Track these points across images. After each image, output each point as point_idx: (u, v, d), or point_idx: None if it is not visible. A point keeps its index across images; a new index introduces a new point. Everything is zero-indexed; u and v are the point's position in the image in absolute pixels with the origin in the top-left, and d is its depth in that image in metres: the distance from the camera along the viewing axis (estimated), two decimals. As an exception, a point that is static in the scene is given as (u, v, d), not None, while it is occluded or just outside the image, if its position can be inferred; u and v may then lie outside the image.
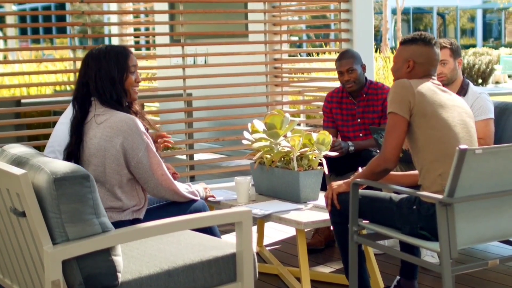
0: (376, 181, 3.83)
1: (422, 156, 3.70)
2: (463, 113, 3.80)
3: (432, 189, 3.63)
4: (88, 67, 3.83)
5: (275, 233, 5.94)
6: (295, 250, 5.37)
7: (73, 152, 3.76)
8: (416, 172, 3.91)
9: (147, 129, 3.87)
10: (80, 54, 6.66)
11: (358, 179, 3.79)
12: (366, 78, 5.61)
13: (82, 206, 2.99)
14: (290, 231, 5.94)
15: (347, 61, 5.48)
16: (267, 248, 5.36)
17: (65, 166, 3.02)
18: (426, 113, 3.68)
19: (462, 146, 3.23)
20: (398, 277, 4.31)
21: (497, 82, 24.87)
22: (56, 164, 3.05)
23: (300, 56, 14.76)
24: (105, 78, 3.79)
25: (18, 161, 3.24)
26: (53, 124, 7.56)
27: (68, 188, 2.95)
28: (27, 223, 3.01)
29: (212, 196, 4.47)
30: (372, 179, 3.80)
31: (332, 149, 4.74)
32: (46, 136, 7.07)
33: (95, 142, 3.70)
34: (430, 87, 3.76)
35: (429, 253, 4.87)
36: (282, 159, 4.56)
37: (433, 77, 3.91)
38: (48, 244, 2.93)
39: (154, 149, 3.82)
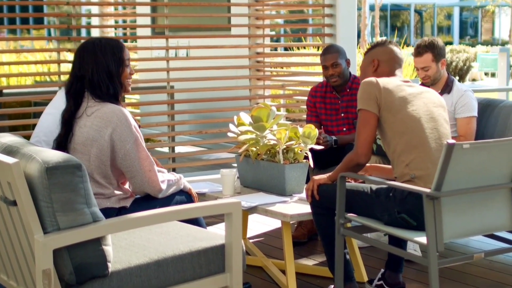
0: (362, 174, 3.91)
1: (391, 149, 3.85)
2: (429, 104, 3.94)
3: (402, 179, 3.77)
4: (83, 61, 3.80)
5: (257, 225, 5.97)
6: (278, 242, 5.41)
7: (62, 142, 3.75)
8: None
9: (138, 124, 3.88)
10: (60, 45, 6.64)
11: (342, 173, 3.85)
12: (350, 73, 5.64)
13: (73, 195, 2.99)
14: (272, 224, 5.97)
15: (332, 55, 5.51)
16: (250, 241, 5.38)
17: (57, 156, 3.02)
18: (392, 108, 3.83)
19: (450, 141, 3.28)
20: (382, 270, 4.35)
21: (473, 80, 25.06)
22: (48, 153, 3.05)
23: (286, 50, 14.81)
24: (102, 72, 3.78)
25: (9, 150, 3.24)
26: (34, 114, 7.57)
27: (60, 177, 2.96)
28: (17, 212, 3.01)
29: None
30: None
31: (317, 142, 4.76)
32: (26, 127, 7.06)
33: (84, 131, 3.71)
34: (396, 83, 3.93)
35: (412, 246, 4.91)
36: (268, 152, 4.58)
37: (399, 74, 4.06)
38: (39, 233, 2.93)
39: (144, 144, 3.82)
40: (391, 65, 4.09)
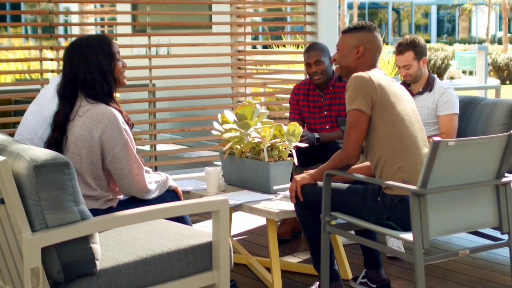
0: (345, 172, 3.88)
1: (380, 148, 3.76)
2: (412, 102, 3.94)
3: (393, 180, 3.70)
4: (74, 62, 3.75)
5: (241, 223, 5.97)
6: (261, 240, 5.43)
7: (57, 146, 3.71)
8: (367, 163, 3.98)
9: (128, 123, 3.84)
10: (42, 43, 6.60)
11: (328, 171, 3.84)
12: (333, 71, 5.66)
13: (61, 193, 2.99)
14: (256, 222, 5.98)
15: (316, 53, 5.53)
16: (234, 239, 5.38)
17: (45, 154, 3.01)
18: (386, 105, 3.75)
19: (436, 138, 3.29)
20: (365, 269, 4.37)
21: (451, 78, 25.18)
22: (35, 151, 3.04)
23: (269, 48, 14.81)
24: (95, 70, 3.74)
25: (-5, 148, 3.23)
26: (15, 112, 7.52)
27: (48, 175, 2.95)
28: (5, 211, 3.00)
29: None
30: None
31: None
32: (7, 125, 7.01)
33: (75, 131, 3.68)
34: (385, 79, 3.84)
35: (395, 243, 4.94)
36: (253, 149, 4.59)
37: (379, 67, 3.98)
38: (27, 232, 2.93)
39: (134, 147, 3.80)
40: (374, 55, 3.97)
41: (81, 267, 3.05)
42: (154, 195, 3.90)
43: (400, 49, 5.28)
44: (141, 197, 3.85)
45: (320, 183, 3.91)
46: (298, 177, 4.04)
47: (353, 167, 4.03)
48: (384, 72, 3.97)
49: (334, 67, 4.42)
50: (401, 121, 3.75)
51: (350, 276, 4.53)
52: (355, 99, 3.75)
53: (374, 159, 3.80)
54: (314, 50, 5.55)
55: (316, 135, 5.49)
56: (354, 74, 3.83)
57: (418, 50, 5.23)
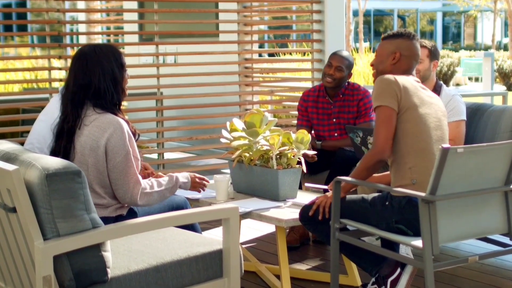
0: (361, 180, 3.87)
1: (397, 147, 3.78)
2: (438, 111, 3.91)
3: (402, 182, 3.74)
4: (88, 70, 3.72)
5: (249, 231, 5.99)
6: (270, 247, 5.44)
7: (62, 153, 3.70)
8: (387, 173, 4.00)
9: (134, 133, 3.85)
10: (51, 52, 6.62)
11: (342, 178, 3.84)
12: (348, 83, 5.69)
13: (73, 202, 3.01)
14: (264, 229, 5.99)
15: (342, 59, 5.59)
16: (243, 246, 5.39)
17: (56, 162, 3.03)
18: (409, 107, 3.77)
19: (445, 145, 3.31)
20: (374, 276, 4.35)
21: (457, 84, 25.16)
22: (47, 160, 3.07)
23: (276, 56, 14.83)
24: (109, 80, 3.73)
25: (7, 157, 3.25)
26: (23, 122, 7.55)
27: (60, 184, 2.97)
28: (17, 219, 3.02)
29: (204, 180, 4.31)
30: (366, 175, 3.84)
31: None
32: (14, 134, 7.05)
33: (82, 140, 3.68)
34: (412, 83, 3.86)
35: (404, 250, 4.94)
36: (261, 157, 4.60)
37: (413, 74, 4.00)
38: (39, 240, 2.95)
39: (138, 157, 3.79)
40: (411, 63, 3.99)
41: (93, 275, 3.07)
42: (165, 198, 3.93)
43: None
44: (133, 206, 3.87)
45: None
46: (329, 194, 3.97)
47: (375, 175, 4.04)
48: (418, 79, 3.99)
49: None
50: (419, 124, 3.77)
51: (359, 282, 4.54)
52: (382, 97, 3.78)
53: (392, 157, 3.83)
54: (341, 57, 5.62)
55: (319, 142, 5.58)
56: (380, 76, 3.88)
57: (433, 51, 5.27)
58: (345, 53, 5.75)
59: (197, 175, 4.25)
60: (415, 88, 3.84)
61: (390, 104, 3.75)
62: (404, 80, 3.83)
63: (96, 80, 3.72)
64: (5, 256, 3.29)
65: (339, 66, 5.56)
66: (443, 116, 3.93)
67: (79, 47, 4.01)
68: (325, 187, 4.53)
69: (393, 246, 4.13)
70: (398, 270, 3.87)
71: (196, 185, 4.22)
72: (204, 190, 4.29)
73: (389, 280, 3.88)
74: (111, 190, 3.79)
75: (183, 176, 4.12)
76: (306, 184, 5.00)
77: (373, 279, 4.33)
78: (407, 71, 3.97)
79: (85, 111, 3.73)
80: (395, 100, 3.75)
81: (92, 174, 3.68)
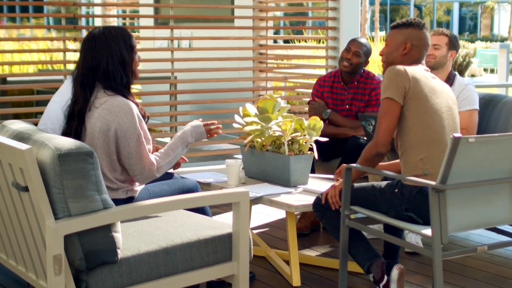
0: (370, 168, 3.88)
1: (406, 138, 3.79)
2: (449, 100, 3.91)
3: (413, 173, 3.74)
4: (95, 51, 3.73)
5: (260, 216, 6.00)
6: (280, 233, 5.45)
7: (73, 134, 3.70)
8: (397, 161, 4.00)
9: (144, 116, 3.86)
10: (66, 34, 6.65)
11: (353, 165, 3.85)
12: (364, 70, 5.69)
13: (85, 182, 3.03)
14: (274, 215, 6.00)
15: (361, 45, 5.61)
16: (253, 231, 5.41)
17: (69, 143, 3.06)
18: (420, 97, 3.77)
19: (456, 134, 3.31)
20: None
21: (472, 75, 25.08)
22: (60, 140, 3.09)
23: (291, 42, 14.81)
24: (117, 62, 3.73)
25: (20, 137, 3.28)
26: (37, 102, 7.59)
27: (72, 164, 3.00)
28: (29, 198, 3.05)
29: (214, 123, 4.31)
30: (367, 166, 3.86)
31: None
32: (29, 115, 7.09)
33: (92, 122, 3.68)
34: (422, 73, 3.86)
35: (413, 239, 4.95)
36: (273, 143, 4.61)
37: (422, 63, 4.00)
38: (51, 219, 2.98)
39: (149, 140, 3.82)
40: (421, 52, 3.99)
41: (103, 255, 3.10)
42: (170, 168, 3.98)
43: (438, 31, 5.32)
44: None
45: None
46: (337, 183, 3.99)
47: (382, 164, 4.05)
48: (427, 69, 3.99)
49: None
50: (431, 114, 3.77)
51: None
52: (388, 88, 3.79)
53: (401, 148, 3.84)
54: (360, 43, 5.64)
55: (328, 111, 5.57)
56: (391, 66, 3.88)
57: (453, 40, 5.27)
58: (364, 40, 5.76)
59: (207, 121, 4.25)
60: (425, 78, 3.84)
61: (394, 96, 3.76)
62: (414, 70, 3.83)
63: (104, 62, 3.72)
64: (16, 235, 3.32)
65: (357, 51, 5.57)
66: (454, 104, 3.94)
67: (95, 29, 4.02)
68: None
69: (396, 233, 4.12)
70: (385, 277, 3.87)
71: (211, 132, 4.24)
72: (220, 133, 4.29)
73: (381, 285, 3.89)
74: (120, 175, 3.80)
75: (193, 132, 4.14)
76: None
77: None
78: (417, 61, 3.98)
79: (96, 93, 3.73)
80: (400, 92, 3.76)
81: (101, 156, 3.68)
